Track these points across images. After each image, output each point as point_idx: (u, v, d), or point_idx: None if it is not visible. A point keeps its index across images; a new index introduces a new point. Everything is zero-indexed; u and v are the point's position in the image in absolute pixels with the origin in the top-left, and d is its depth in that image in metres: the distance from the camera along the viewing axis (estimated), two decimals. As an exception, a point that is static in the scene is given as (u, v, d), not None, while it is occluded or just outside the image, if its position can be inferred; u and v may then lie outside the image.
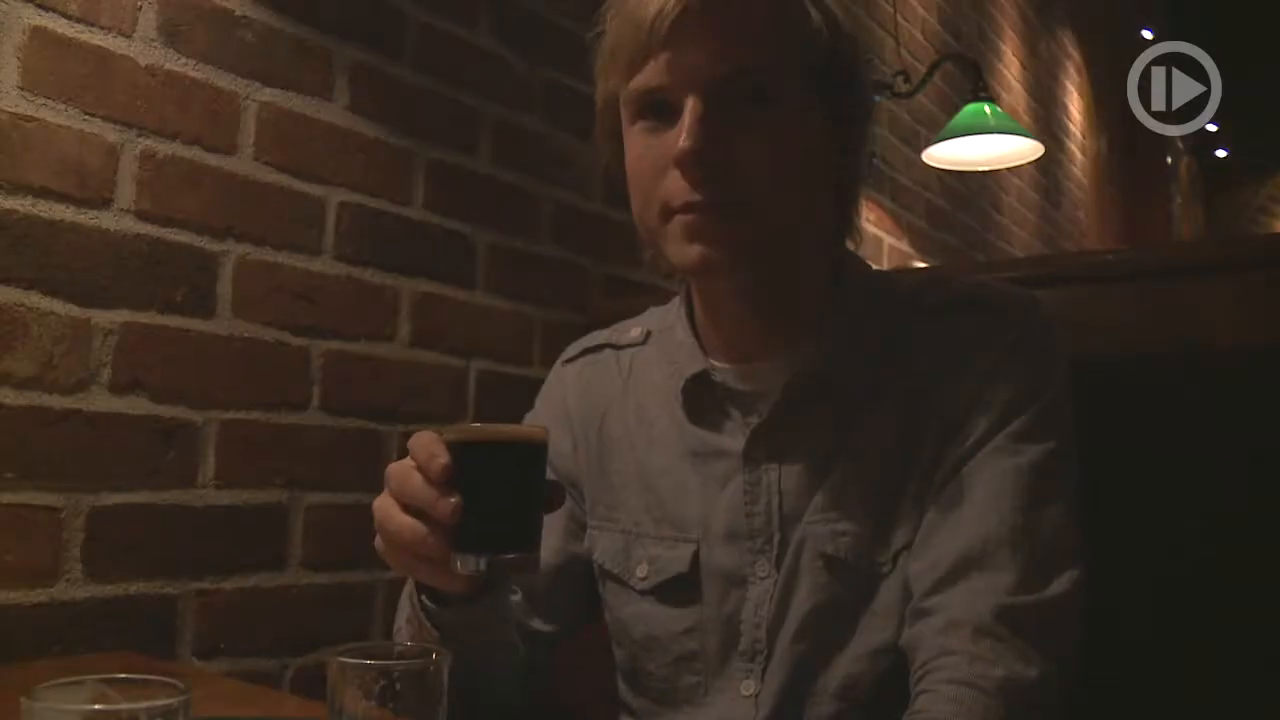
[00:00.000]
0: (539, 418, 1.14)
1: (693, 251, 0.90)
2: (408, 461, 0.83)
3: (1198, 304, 1.47)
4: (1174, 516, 1.13)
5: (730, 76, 0.88)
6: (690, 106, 0.88)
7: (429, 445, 0.82)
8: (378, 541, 0.87)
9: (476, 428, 0.84)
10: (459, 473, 0.80)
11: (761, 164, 0.89)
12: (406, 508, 0.83)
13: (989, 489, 0.88)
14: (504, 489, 0.81)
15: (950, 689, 0.81)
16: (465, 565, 0.81)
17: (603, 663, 1.10)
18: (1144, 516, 1.09)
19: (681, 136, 0.87)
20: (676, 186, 0.90)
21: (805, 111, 0.92)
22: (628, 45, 0.91)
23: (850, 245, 1.03)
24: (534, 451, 0.83)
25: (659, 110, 0.92)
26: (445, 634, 0.90)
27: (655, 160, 0.91)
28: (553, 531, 1.05)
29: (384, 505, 0.84)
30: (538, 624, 1.07)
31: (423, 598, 0.91)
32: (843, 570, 0.93)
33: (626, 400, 1.08)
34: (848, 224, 1.01)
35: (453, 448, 0.81)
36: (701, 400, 1.01)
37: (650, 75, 0.90)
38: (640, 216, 0.96)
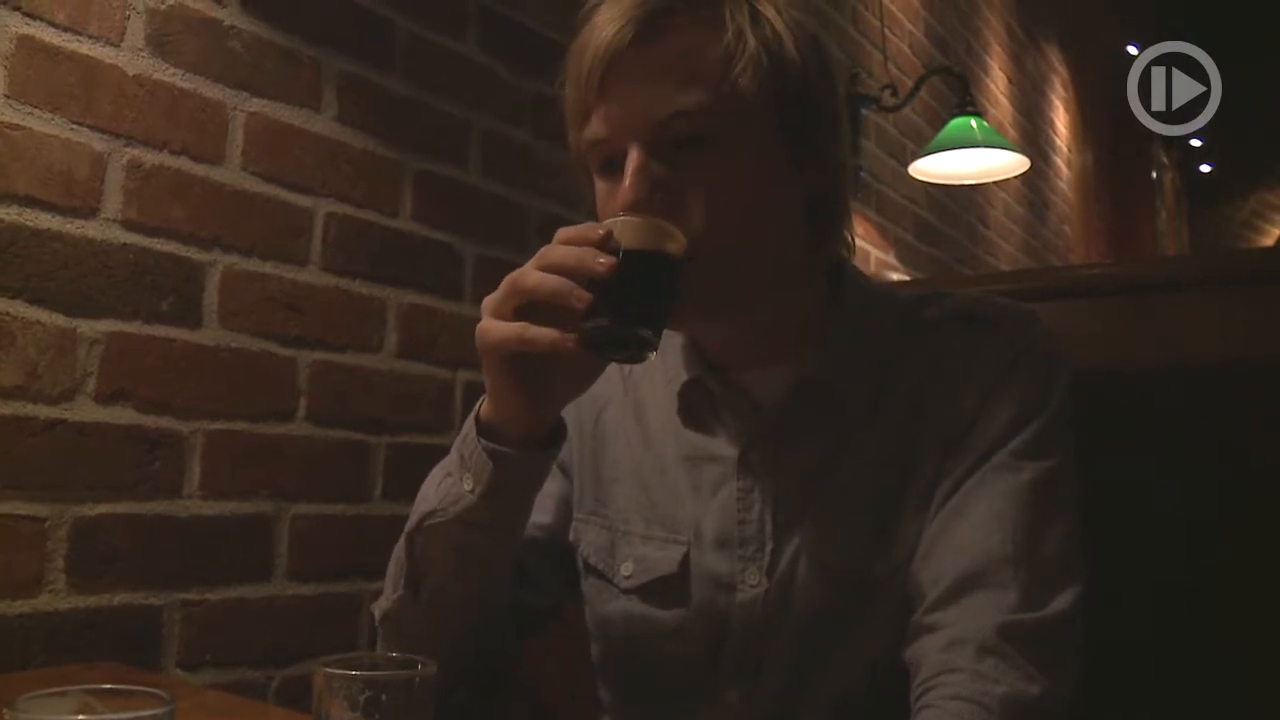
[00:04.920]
0: None
1: None
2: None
3: (1183, 319, 1.47)
4: (1156, 528, 1.13)
5: (665, 122, 0.88)
6: (630, 159, 0.88)
7: (584, 225, 0.84)
8: (487, 325, 0.85)
9: (623, 220, 0.85)
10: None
11: (708, 213, 0.88)
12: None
13: (991, 506, 0.88)
14: (650, 273, 0.84)
15: (954, 705, 0.80)
16: (610, 333, 0.82)
17: (575, 665, 1.10)
18: (1127, 528, 1.09)
19: (623, 190, 0.88)
20: None
21: (754, 144, 0.90)
22: (572, 100, 0.93)
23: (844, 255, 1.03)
24: (673, 253, 0.85)
25: (610, 164, 0.92)
26: (504, 483, 0.89)
27: (612, 214, 0.92)
28: (544, 509, 1.06)
29: (522, 270, 0.84)
30: (526, 597, 1.07)
31: (484, 442, 0.90)
32: (837, 581, 0.93)
33: (626, 397, 1.08)
34: (834, 238, 1.01)
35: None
36: (697, 404, 1.02)
37: (595, 127, 0.91)
38: None
